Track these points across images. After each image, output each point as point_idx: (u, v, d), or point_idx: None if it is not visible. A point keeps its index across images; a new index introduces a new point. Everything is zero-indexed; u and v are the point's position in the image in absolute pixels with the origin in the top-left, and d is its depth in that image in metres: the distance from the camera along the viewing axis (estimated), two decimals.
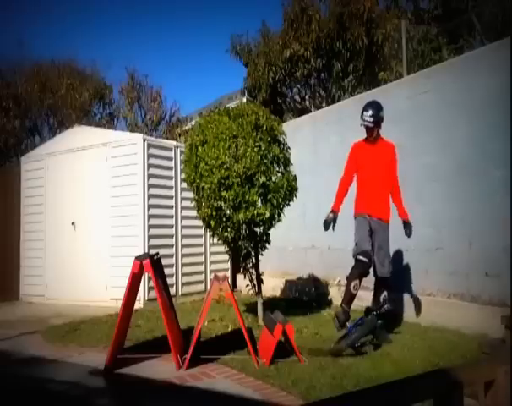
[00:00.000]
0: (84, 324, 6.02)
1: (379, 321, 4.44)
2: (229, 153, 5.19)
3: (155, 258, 4.45)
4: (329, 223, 4.68)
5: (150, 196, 7.47)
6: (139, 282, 4.56)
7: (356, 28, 10.96)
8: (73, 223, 8.03)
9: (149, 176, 7.49)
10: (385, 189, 4.68)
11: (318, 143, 7.75)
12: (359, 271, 4.48)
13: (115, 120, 15.34)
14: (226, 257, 6.81)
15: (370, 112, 4.55)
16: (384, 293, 4.60)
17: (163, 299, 4.23)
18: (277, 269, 7.77)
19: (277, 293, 7.74)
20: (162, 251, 5.55)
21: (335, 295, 6.88)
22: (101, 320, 6.18)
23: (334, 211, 4.70)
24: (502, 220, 4.87)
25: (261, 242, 5.56)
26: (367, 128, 4.61)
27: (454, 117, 5.60)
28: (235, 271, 8.59)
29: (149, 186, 7.47)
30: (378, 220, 4.60)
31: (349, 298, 4.46)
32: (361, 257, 4.43)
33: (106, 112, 15.40)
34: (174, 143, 8.43)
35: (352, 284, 4.42)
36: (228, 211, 5.27)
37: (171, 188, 7.88)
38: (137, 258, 4.14)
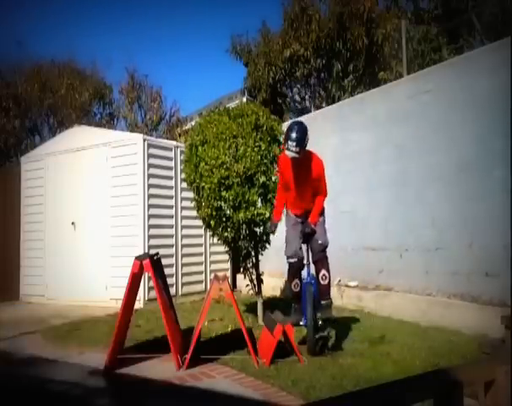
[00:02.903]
0: (84, 324, 6.03)
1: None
2: (229, 153, 5.19)
3: (155, 258, 4.45)
4: (270, 231, 4.97)
5: (150, 196, 7.47)
6: (139, 282, 4.56)
7: (356, 28, 10.96)
8: (73, 223, 8.03)
9: (150, 176, 7.49)
10: (310, 196, 4.55)
11: (318, 143, 7.72)
12: (292, 272, 4.60)
13: (115, 120, 15.33)
14: (226, 257, 6.82)
15: (295, 143, 4.16)
16: (323, 272, 4.49)
17: (163, 299, 4.23)
18: (277, 269, 7.75)
19: (277, 293, 7.73)
20: (162, 251, 5.55)
21: (335, 295, 6.88)
22: (101, 320, 6.19)
23: (275, 221, 4.77)
24: (502, 220, 4.87)
25: (261, 242, 5.57)
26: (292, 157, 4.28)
27: (454, 117, 5.60)
28: (235, 271, 8.59)
29: (149, 186, 7.47)
30: (306, 214, 4.54)
31: (295, 296, 4.62)
32: (290, 260, 4.54)
33: (106, 112, 15.38)
34: (174, 143, 8.44)
35: (293, 284, 4.59)
36: (228, 211, 5.28)
37: (171, 188, 7.88)
38: (137, 258, 4.15)
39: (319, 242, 4.47)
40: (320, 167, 4.50)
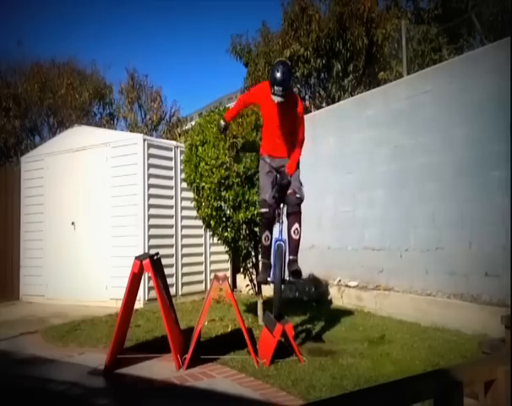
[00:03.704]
0: (84, 324, 6.02)
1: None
2: (229, 153, 5.20)
3: (155, 258, 4.44)
4: (221, 129, 4.80)
5: (150, 196, 7.47)
6: (139, 282, 4.56)
7: (356, 28, 10.95)
8: (73, 223, 8.03)
9: (150, 176, 7.49)
10: (288, 137, 4.43)
11: (318, 143, 7.75)
12: (264, 223, 4.52)
13: (115, 120, 15.33)
14: (226, 257, 6.80)
15: (281, 87, 4.01)
16: (295, 226, 4.39)
17: (163, 299, 4.23)
18: None
19: None
20: (162, 251, 5.55)
21: (335, 295, 6.89)
22: (101, 320, 6.19)
23: (226, 121, 4.72)
24: (502, 220, 4.87)
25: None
26: (278, 103, 4.14)
27: (453, 118, 5.60)
28: (235, 271, 8.59)
29: (150, 186, 7.47)
30: (281, 158, 4.44)
31: (264, 250, 4.57)
32: (262, 210, 4.43)
33: (106, 112, 15.38)
34: (174, 143, 8.43)
35: (263, 237, 4.50)
36: (228, 211, 5.28)
37: (171, 188, 7.88)
38: (137, 258, 4.14)
39: (297, 195, 4.36)
40: (301, 109, 4.36)
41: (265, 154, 4.52)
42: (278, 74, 4.03)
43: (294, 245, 4.42)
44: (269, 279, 4.50)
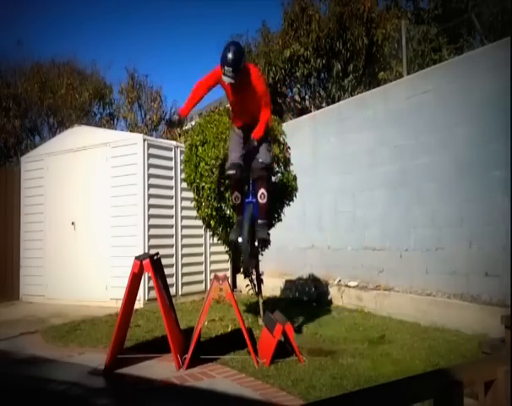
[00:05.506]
0: (84, 324, 6.02)
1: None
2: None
3: (155, 258, 4.44)
4: (174, 124, 4.63)
5: (150, 196, 7.46)
6: (139, 282, 4.56)
7: (356, 28, 10.95)
8: (73, 223, 8.03)
9: (149, 176, 7.48)
10: (252, 107, 4.39)
11: (318, 143, 7.76)
12: (232, 185, 4.62)
13: (115, 120, 15.32)
14: (226, 257, 6.79)
15: (231, 68, 3.93)
16: (261, 191, 4.44)
17: (163, 299, 4.23)
18: (277, 269, 7.77)
19: (277, 293, 7.74)
20: (162, 251, 5.55)
21: (335, 295, 6.89)
22: (101, 320, 6.19)
23: (181, 116, 4.33)
24: (502, 220, 4.87)
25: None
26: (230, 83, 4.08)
27: (453, 118, 5.61)
28: (235, 271, 8.59)
29: (149, 186, 7.47)
30: (249, 127, 4.43)
31: (237, 209, 4.69)
32: (229, 172, 4.47)
33: (106, 112, 15.37)
34: (174, 143, 8.43)
35: (233, 197, 4.62)
36: (228, 211, 5.27)
37: (171, 188, 7.88)
38: (137, 258, 4.14)
39: (260, 160, 4.38)
40: (260, 82, 4.30)
41: (234, 124, 4.59)
42: (229, 54, 3.96)
43: (262, 210, 4.51)
44: (239, 240, 4.51)
